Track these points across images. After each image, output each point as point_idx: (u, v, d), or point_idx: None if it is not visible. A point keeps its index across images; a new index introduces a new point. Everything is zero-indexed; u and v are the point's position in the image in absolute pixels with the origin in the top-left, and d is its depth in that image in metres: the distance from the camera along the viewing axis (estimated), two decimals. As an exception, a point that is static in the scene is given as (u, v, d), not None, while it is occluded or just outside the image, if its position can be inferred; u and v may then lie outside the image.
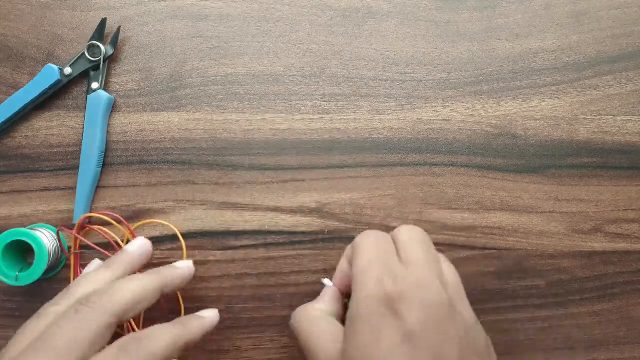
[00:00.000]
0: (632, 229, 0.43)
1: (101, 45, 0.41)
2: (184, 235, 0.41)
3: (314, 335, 0.33)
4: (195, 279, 0.41)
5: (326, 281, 0.38)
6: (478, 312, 0.42)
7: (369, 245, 0.34)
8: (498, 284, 0.42)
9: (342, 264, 0.36)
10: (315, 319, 0.34)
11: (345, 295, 0.37)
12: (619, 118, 0.44)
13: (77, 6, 0.43)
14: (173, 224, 0.41)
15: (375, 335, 0.29)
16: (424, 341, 0.29)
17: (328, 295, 0.36)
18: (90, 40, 0.41)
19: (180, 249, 0.41)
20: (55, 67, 0.41)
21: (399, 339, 0.29)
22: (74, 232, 0.39)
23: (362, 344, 0.29)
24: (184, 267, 0.37)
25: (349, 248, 0.36)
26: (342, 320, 0.34)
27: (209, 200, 0.42)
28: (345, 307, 0.36)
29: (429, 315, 0.29)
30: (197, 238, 0.41)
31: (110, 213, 0.40)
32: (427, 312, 0.29)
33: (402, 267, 0.32)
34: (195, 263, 0.41)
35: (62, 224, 0.41)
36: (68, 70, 0.41)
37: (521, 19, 0.44)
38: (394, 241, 0.34)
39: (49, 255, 0.38)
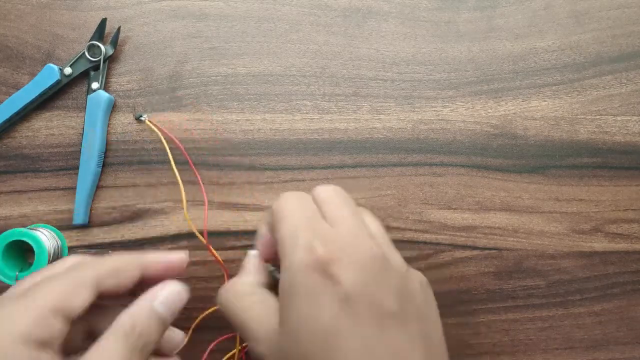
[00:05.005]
0: (632, 229, 0.43)
1: (101, 45, 0.41)
2: (184, 236, 0.41)
3: (247, 311, 0.31)
4: (196, 278, 0.41)
5: (252, 253, 0.35)
6: (478, 312, 0.42)
7: (292, 209, 0.31)
8: (498, 284, 0.42)
9: (263, 231, 0.34)
10: (245, 294, 0.32)
11: (270, 263, 0.35)
12: (619, 118, 0.44)
13: (77, 6, 0.43)
14: (173, 224, 0.41)
15: (314, 305, 0.28)
16: (363, 300, 0.28)
17: (252, 265, 0.34)
18: (90, 40, 0.41)
19: (180, 248, 0.41)
20: (55, 67, 0.41)
21: (337, 305, 0.28)
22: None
23: (301, 316, 0.28)
24: (172, 255, 0.34)
25: (268, 214, 0.34)
26: (269, 288, 0.32)
27: (209, 200, 0.42)
28: (270, 275, 0.34)
29: (365, 273, 0.28)
30: (197, 238, 0.41)
31: None
32: (362, 270, 0.28)
33: (329, 227, 0.30)
34: (195, 263, 0.41)
35: (62, 224, 0.41)
36: (68, 70, 0.41)
37: (521, 19, 0.44)
38: (315, 202, 0.32)
39: (49, 255, 0.38)
